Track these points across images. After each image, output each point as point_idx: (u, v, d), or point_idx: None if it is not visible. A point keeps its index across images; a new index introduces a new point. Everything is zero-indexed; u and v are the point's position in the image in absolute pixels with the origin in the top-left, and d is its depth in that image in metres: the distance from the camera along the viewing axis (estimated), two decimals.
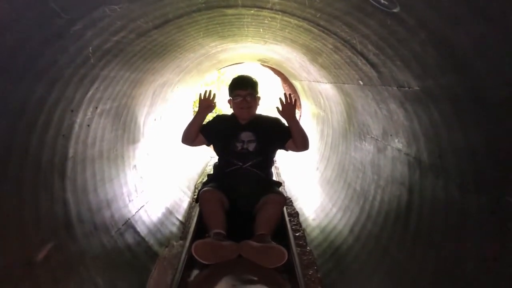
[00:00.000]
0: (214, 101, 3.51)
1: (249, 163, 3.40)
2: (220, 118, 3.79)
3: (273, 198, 3.23)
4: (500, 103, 1.53)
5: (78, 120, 2.67)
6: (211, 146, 3.79)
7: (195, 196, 3.58)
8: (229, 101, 3.56)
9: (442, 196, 2.15)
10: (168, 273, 3.31)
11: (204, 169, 7.09)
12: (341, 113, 4.39)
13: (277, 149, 3.64)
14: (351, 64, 2.94)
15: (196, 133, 3.48)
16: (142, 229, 3.67)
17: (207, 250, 2.78)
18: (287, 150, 3.57)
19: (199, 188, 3.58)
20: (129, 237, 3.39)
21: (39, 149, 2.25)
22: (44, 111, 2.18)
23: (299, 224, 4.53)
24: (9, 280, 1.95)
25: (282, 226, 3.56)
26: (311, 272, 3.39)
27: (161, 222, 4.17)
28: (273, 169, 3.83)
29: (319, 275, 3.31)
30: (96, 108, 2.90)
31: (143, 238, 3.60)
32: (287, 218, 3.96)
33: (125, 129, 3.73)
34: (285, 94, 3.44)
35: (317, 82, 4.83)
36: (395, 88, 2.41)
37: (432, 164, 2.25)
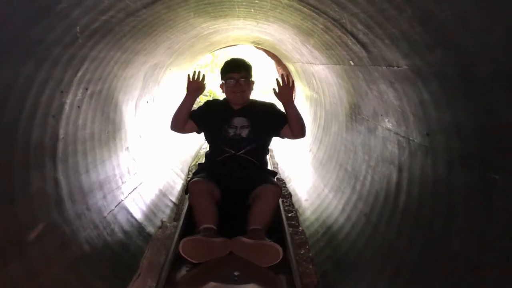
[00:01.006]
0: (204, 83, 3.30)
1: (242, 151, 3.18)
2: (211, 103, 3.57)
3: (268, 189, 2.99)
4: (485, 80, 1.54)
5: (68, 101, 2.66)
6: (202, 134, 3.56)
7: (189, 179, 3.34)
8: (221, 86, 3.34)
9: (431, 174, 2.18)
10: (161, 253, 3.34)
11: (198, 151, 7.10)
12: (333, 95, 4.39)
13: (272, 136, 3.42)
14: (341, 44, 2.93)
15: (186, 119, 3.27)
16: (135, 211, 3.70)
17: (196, 248, 2.59)
18: (282, 137, 3.37)
19: (188, 179, 3.34)
20: (122, 218, 3.41)
21: (28, 130, 2.24)
22: (32, 91, 2.17)
23: (291, 204, 4.57)
24: (1, 259, 1.96)
25: (278, 217, 3.35)
26: (302, 251, 3.43)
27: (155, 203, 4.20)
28: (268, 157, 3.60)
29: (310, 254, 3.35)
30: (86, 89, 2.88)
31: (136, 220, 3.62)
32: (283, 210, 3.71)
33: (116, 111, 3.72)
34: (282, 75, 3.26)
35: (310, 63, 4.82)
36: (384, 68, 2.42)
37: (421, 142, 2.27)
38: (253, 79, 3.33)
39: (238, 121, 3.21)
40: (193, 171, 3.36)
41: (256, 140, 3.23)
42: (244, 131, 3.19)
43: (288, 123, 3.20)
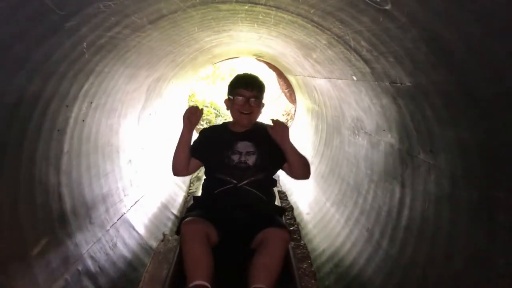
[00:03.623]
0: (201, 109, 2.72)
1: (246, 181, 2.65)
2: (207, 130, 3.00)
3: (275, 235, 2.44)
4: (489, 100, 1.56)
5: (73, 115, 2.68)
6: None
7: (182, 217, 2.70)
8: (226, 101, 2.83)
9: (434, 191, 2.19)
10: (163, 267, 3.33)
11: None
12: (335, 108, 4.42)
13: (279, 168, 2.84)
14: (344, 60, 2.96)
15: (188, 157, 2.72)
16: (137, 224, 3.70)
17: None
18: (286, 172, 2.85)
19: (181, 217, 2.74)
20: (124, 232, 3.42)
21: (34, 144, 2.26)
22: (39, 106, 2.19)
23: (293, 218, 4.58)
24: (6, 274, 1.97)
25: (287, 265, 2.64)
26: (305, 265, 3.43)
27: (156, 216, 4.20)
28: (275, 190, 2.96)
29: (313, 269, 3.36)
30: (91, 103, 2.91)
31: (138, 233, 3.62)
32: (293, 260, 2.91)
33: (120, 124, 3.74)
34: (272, 120, 2.73)
35: (312, 77, 4.85)
36: (387, 84, 2.44)
37: (424, 159, 2.28)
38: (264, 101, 2.84)
39: (242, 145, 2.73)
40: (182, 216, 2.76)
41: (263, 170, 2.72)
42: (250, 158, 2.69)
43: (288, 165, 2.72)
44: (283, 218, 2.84)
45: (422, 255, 2.25)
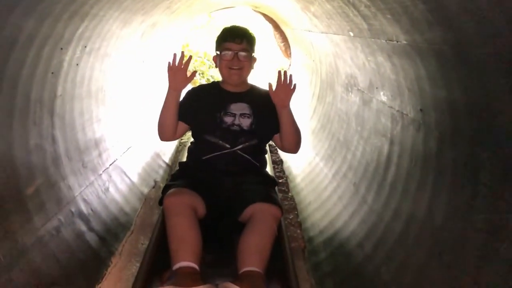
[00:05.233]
0: (189, 69, 2.39)
1: (240, 146, 2.44)
2: (197, 90, 2.68)
3: (266, 211, 2.25)
4: (481, 61, 1.58)
5: (67, 58, 2.67)
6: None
7: (165, 185, 2.50)
8: (214, 58, 2.59)
9: (421, 149, 2.24)
10: (154, 212, 3.43)
11: None
12: (330, 64, 4.41)
13: (272, 136, 2.59)
14: (342, 14, 2.93)
15: (176, 121, 2.47)
16: (129, 170, 3.75)
17: None
18: (275, 143, 2.66)
19: (165, 184, 2.55)
20: (117, 177, 3.48)
21: (28, 86, 2.26)
22: (33, 48, 2.18)
23: (282, 171, 4.67)
24: (2, 211, 2.02)
25: (279, 239, 2.38)
26: (291, 216, 3.54)
27: (148, 164, 4.25)
28: (266, 157, 2.81)
29: (299, 220, 3.46)
30: (85, 47, 2.88)
31: (130, 179, 3.69)
32: (286, 240, 2.58)
33: (113, 70, 3.71)
34: (283, 72, 2.43)
35: (309, 31, 4.80)
36: (383, 41, 2.44)
37: (414, 117, 2.32)
38: (255, 55, 2.56)
39: (237, 107, 2.48)
40: (166, 184, 2.53)
41: (258, 135, 2.51)
42: (245, 121, 2.46)
43: (280, 134, 2.49)
44: (275, 189, 2.66)
45: (405, 211, 2.33)
